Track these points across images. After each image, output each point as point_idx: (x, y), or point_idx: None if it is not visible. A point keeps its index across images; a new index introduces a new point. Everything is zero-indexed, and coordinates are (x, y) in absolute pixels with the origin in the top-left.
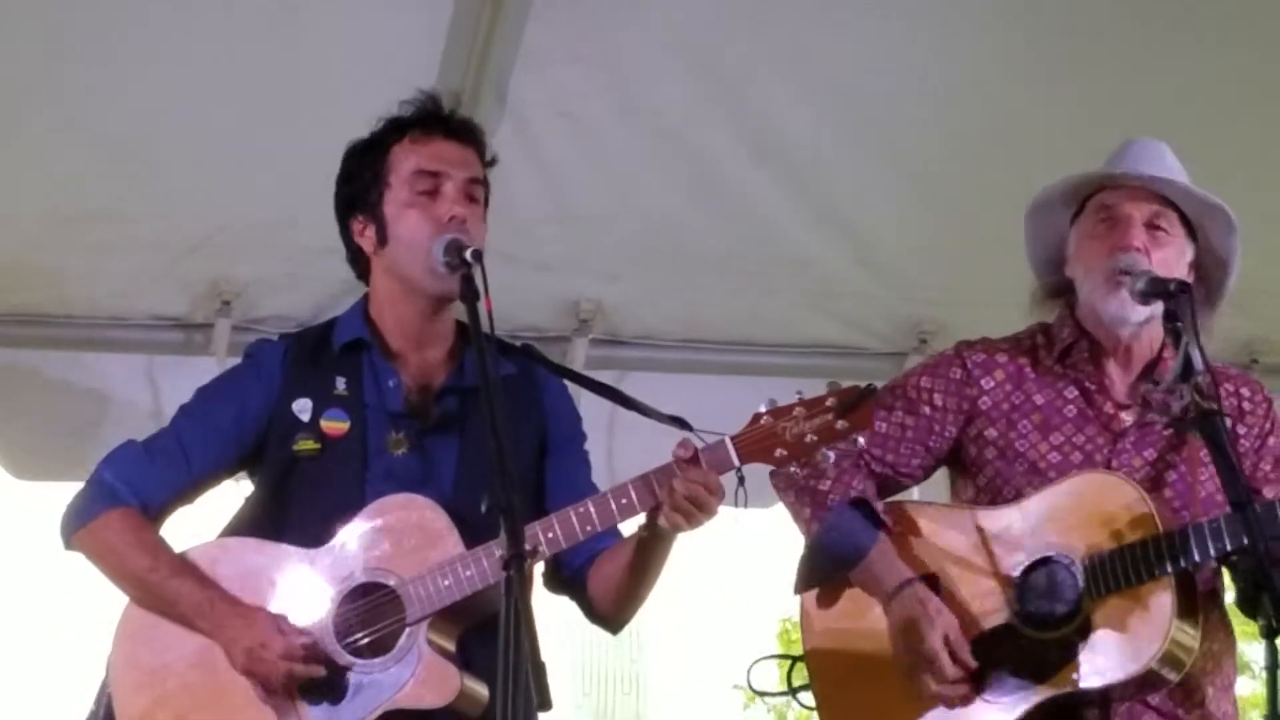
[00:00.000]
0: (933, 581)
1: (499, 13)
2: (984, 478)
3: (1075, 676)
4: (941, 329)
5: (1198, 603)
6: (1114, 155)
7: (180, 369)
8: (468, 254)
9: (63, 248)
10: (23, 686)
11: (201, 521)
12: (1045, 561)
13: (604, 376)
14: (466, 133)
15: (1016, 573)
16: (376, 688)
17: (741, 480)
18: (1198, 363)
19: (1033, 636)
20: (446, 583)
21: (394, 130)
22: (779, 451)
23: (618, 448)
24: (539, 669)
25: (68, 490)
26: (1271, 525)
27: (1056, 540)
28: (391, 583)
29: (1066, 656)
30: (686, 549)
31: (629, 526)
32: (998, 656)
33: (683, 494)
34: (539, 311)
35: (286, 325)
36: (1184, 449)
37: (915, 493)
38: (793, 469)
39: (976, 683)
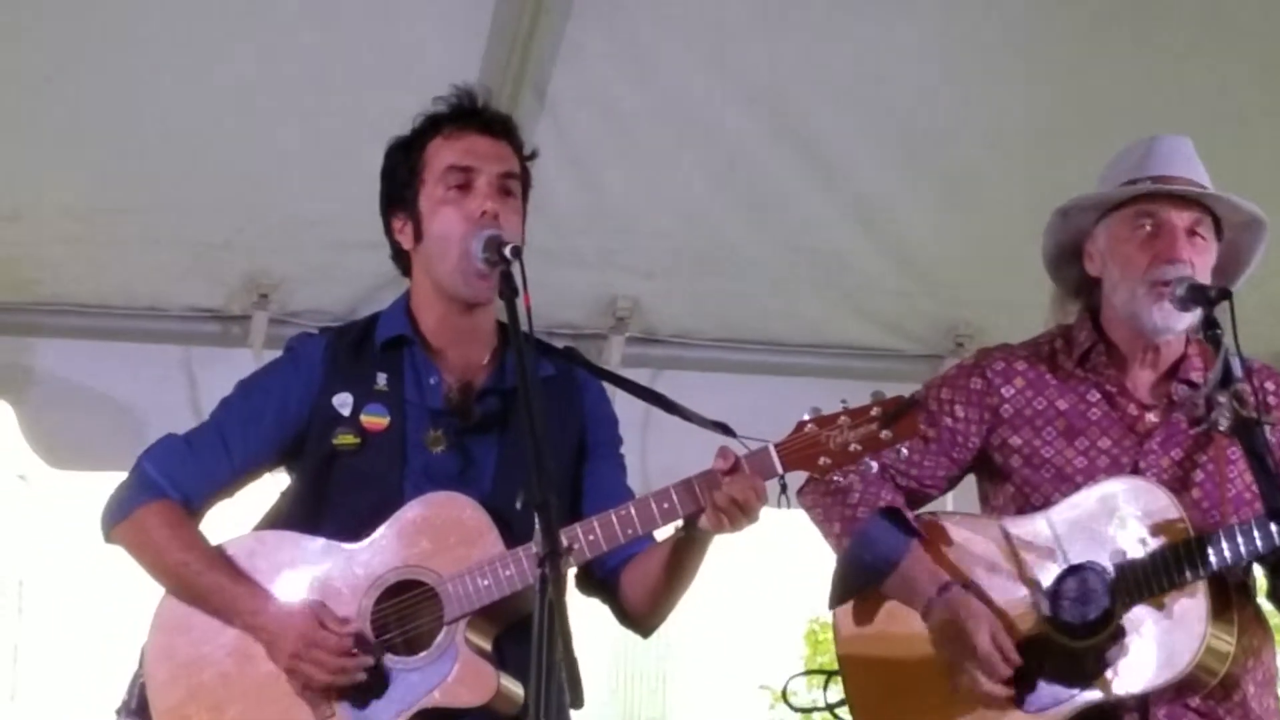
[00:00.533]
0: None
1: (540, 11)
2: (1012, 485)
3: (1111, 684)
4: (979, 332)
5: (1231, 603)
6: (1144, 152)
7: (217, 360)
8: (507, 250)
9: (98, 240)
10: (58, 674)
11: (239, 513)
12: (1077, 569)
13: (639, 374)
14: (500, 126)
15: (1049, 581)
16: (412, 685)
17: (784, 486)
18: (1237, 370)
19: (1066, 644)
20: (485, 582)
21: (429, 127)
22: (823, 460)
23: (651, 448)
24: (572, 666)
25: (104, 479)
26: None
27: (1088, 547)
28: (430, 580)
29: (1101, 664)
30: (715, 549)
31: (663, 530)
32: (1032, 665)
33: (727, 498)
34: (576, 309)
35: (323, 318)
36: (1210, 448)
37: (949, 502)
38: (819, 482)
39: (1013, 692)
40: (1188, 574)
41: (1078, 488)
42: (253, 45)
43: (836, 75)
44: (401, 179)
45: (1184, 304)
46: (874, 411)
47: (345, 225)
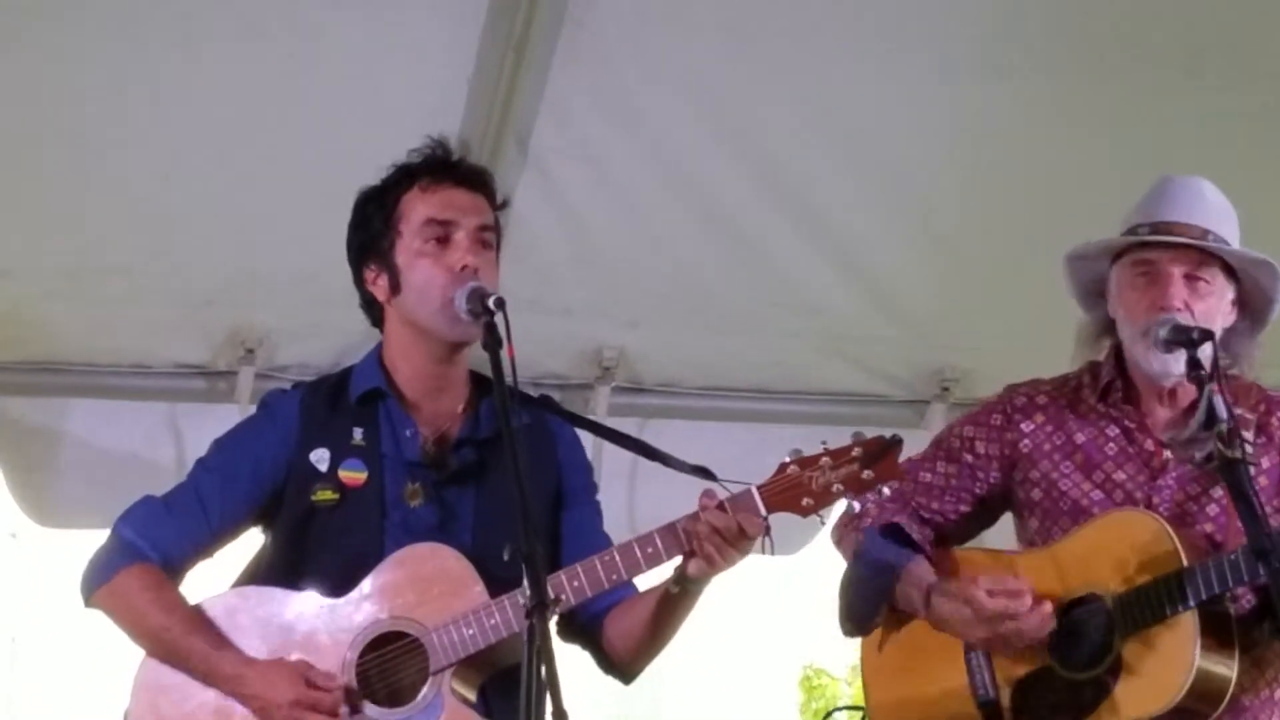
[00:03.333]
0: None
1: (522, 63)
2: (1035, 520)
3: (1108, 715)
4: (964, 376)
5: (1233, 630)
6: (1152, 195)
7: (204, 416)
8: (490, 302)
9: (83, 299)
10: None
11: (218, 570)
12: (1079, 601)
13: (626, 424)
14: (476, 179)
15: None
16: None
17: (767, 530)
18: (1221, 411)
19: (1068, 677)
20: (470, 631)
21: (404, 178)
22: (805, 500)
23: (639, 498)
24: (562, 718)
25: (95, 537)
26: None
27: (1089, 580)
28: (414, 631)
29: (1099, 696)
30: (709, 594)
31: (646, 578)
32: (1036, 699)
33: (709, 528)
34: (561, 359)
35: (309, 372)
36: (1222, 484)
37: (986, 541)
38: (846, 518)
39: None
40: (1179, 604)
41: (1075, 529)
42: (235, 103)
43: (821, 125)
44: (375, 230)
45: (1167, 346)
46: (855, 452)
47: (330, 280)
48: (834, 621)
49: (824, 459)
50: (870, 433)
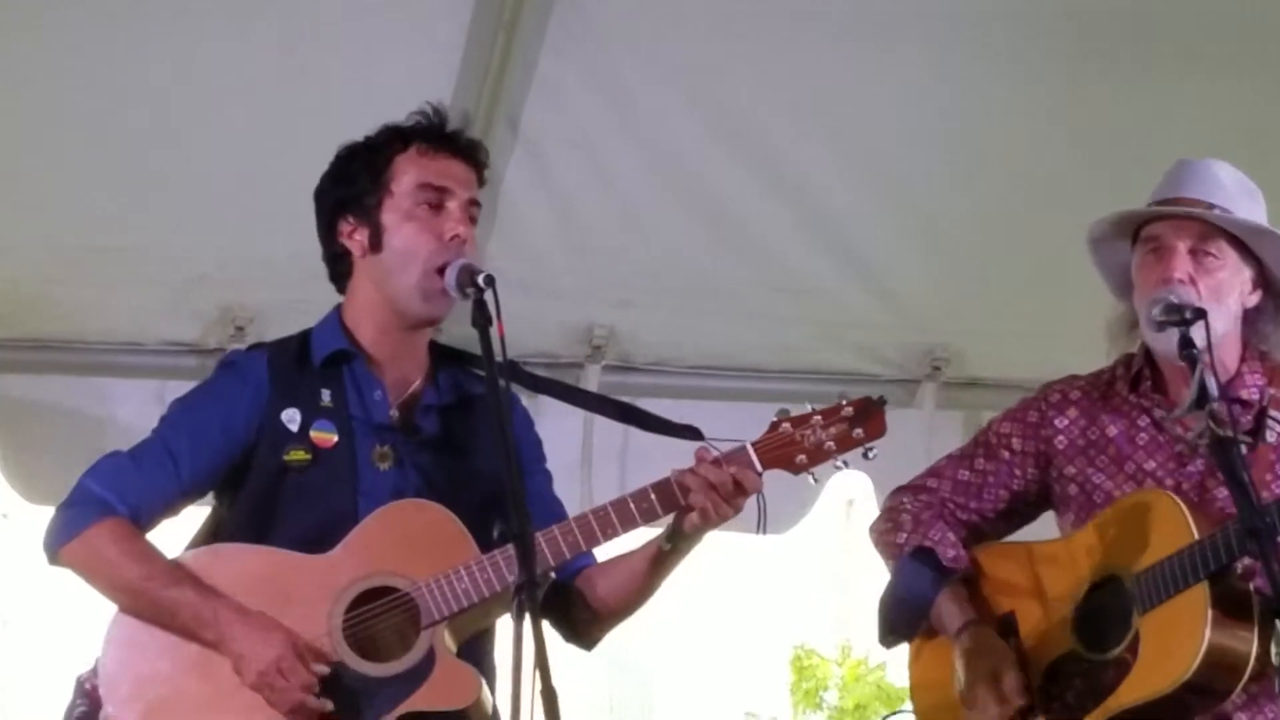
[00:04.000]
0: (1010, 619)
1: (512, 44)
2: (1071, 514)
3: (1128, 692)
4: (955, 356)
5: (1252, 607)
6: (1166, 177)
7: None
8: (480, 279)
9: (73, 278)
10: (42, 710)
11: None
12: (1102, 583)
13: None
14: (472, 152)
15: (1077, 599)
16: (391, 692)
17: (762, 507)
18: (1212, 390)
19: (1091, 659)
20: (464, 585)
21: (399, 138)
22: (799, 458)
23: (630, 471)
24: (550, 697)
25: None
26: None
27: (1109, 562)
28: (403, 586)
29: (1121, 674)
30: (699, 574)
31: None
32: (1064, 684)
33: (704, 482)
34: (552, 338)
35: None
36: (1258, 464)
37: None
38: (883, 518)
39: (1047, 709)
40: (1190, 577)
41: (1112, 504)
42: (227, 82)
43: (813, 108)
44: (362, 185)
45: (1160, 325)
46: (845, 411)
47: (317, 258)
48: (823, 601)
49: (815, 417)
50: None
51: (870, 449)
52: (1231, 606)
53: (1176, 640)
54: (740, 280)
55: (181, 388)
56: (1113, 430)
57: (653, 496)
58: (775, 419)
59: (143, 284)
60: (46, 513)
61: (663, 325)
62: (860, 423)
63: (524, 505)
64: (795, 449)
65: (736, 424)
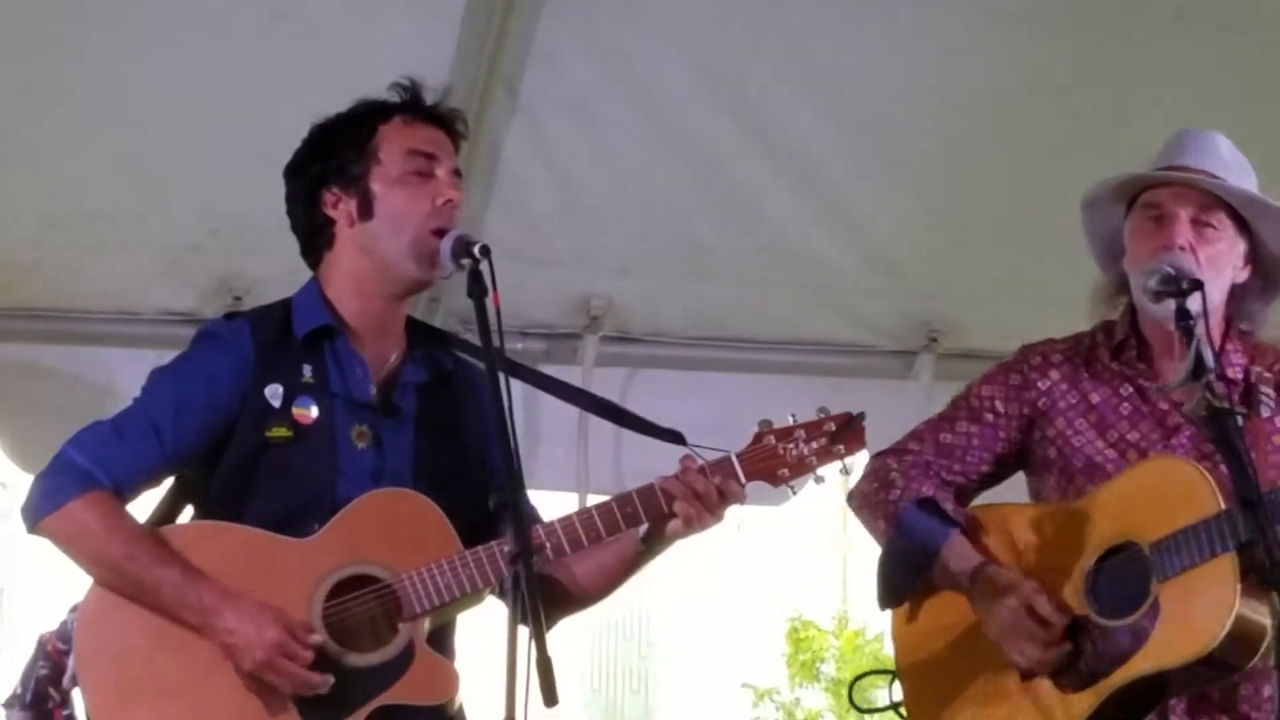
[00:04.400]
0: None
1: (511, 12)
2: (1050, 478)
3: (1146, 659)
4: (953, 327)
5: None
6: (1167, 146)
7: None
8: (476, 249)
9: (71, 245)
10: None
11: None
12: (1116, 549)
13: (614, 373)
14: (454, 123)
15: (1090, 565)
16: (368, 683)
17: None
18: (1208, 361)
19: (1105, 625)
20: (446, 580)
21: (381, 109)
22: (781, 471)
23: (626, 449)
24: (546, 666)
25: None
26: None
27: (1125, 528)
28: (385, 576)
29: (1137, 642)
30: (696, 547)
31: None
32: (1075, 651)
33: (688, 490)
34: (549, 308)
35: None
36: (1254, 437)
37: (998, 497)
38: (867, 479)
39: (1056, 676)
40: (1217, 546)
41: (1109, 478)
42: (222, 49)
43: (811, 76)
44: (346, 156)
45: (1157, 296)
46: (827, 425)
47: None
48: (820, 573)
49: (798, 431)
50: (858, 384)
51: (847, 465)
52: (1258, 583)
53: (1203, 610)
54: (739, 251)
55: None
56: (1095, 397)
57: (637, 502)
58: (759, 430)
59: (139, 253)
60: None
61: (661, 296)
62: (841, 438)
63: (519, 475)
64: (778, 462)
65: (734, 395)
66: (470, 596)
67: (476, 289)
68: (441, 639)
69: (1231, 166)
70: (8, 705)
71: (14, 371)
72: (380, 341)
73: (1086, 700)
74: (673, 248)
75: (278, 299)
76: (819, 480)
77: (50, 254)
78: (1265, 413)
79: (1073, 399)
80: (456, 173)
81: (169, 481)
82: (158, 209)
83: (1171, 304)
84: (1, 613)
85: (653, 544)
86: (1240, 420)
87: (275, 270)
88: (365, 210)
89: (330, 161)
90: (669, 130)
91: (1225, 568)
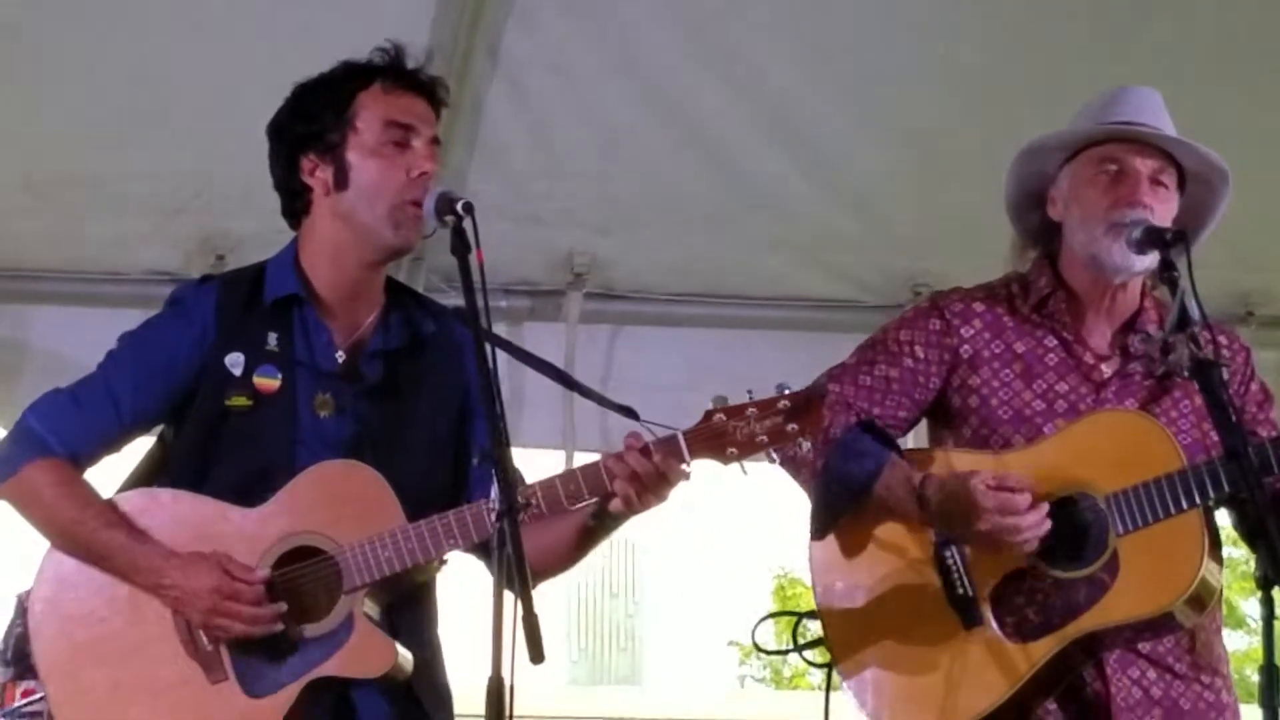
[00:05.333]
0: None
1: None
2: (969, 428)
3: (1104, 612)
4: (937, 281)
5: (1219, 541)
6: (1110, 102)
7: None
8: (459, 206)
9: (56, 206)
10: None
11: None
12: (1069, 500)
13: (599, 330)
14: (435, 91)
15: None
16: (307, 654)
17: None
18: (1194, 313)
19: (1059, 576)
20: (387, 554)
21: (361, 75)
22: (730, 450)
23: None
24: (532, 623)
25: None
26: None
27: (1077, 479)
28: (328, 548)
29: (1095, 593)
30: (682, 505)
31: None
32: (1022, 597)
33: (629, 470)
34: (533, 265)
35: None
36: (1165, 399)
37: (909, 441)
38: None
39: (1001, 624)
40: (1184, 502)
41: (1037, 429)
42: (205, 10)
43: (795, 31)
44: (325, 122)
45: (1140, 247)
46: (781, 404)
47: None
48: (806, 528)
49: (750, 409)
50: (843, 339)
51: (804, 443)
52: (1213, 538)
53: (1168, 566)
54: (722, 206)
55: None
56: (1020, 347)
57: (580, 480)
58: (710, 408)
59: (123, 213)
60: None
61: (644, 252)
62: (795, 417)
63: (502, 430)
64: (727, 440)
65: (719, 351)
66: (414, 571)
67: (460, 246)
68: (412, 608)
69: (1171, 126)
70: None
71: (1, 333)
72: (352, 307)
73: (1035, 653)
74: (656, 204)
75: (259, 257)
76: (773, 460)
77: (36, 215)
78: (1182, 368)
79: (997, 348)
80: (435, 141)
81: (148, 447)
82: (143, 169)
83: (1154, 255)
84: None
85: (603, 520)
86: (1224, 373)
87: (261, 229)
88: (341, 180)
89: (309, 126)
90: (651, 87)
91: (1192, 524)
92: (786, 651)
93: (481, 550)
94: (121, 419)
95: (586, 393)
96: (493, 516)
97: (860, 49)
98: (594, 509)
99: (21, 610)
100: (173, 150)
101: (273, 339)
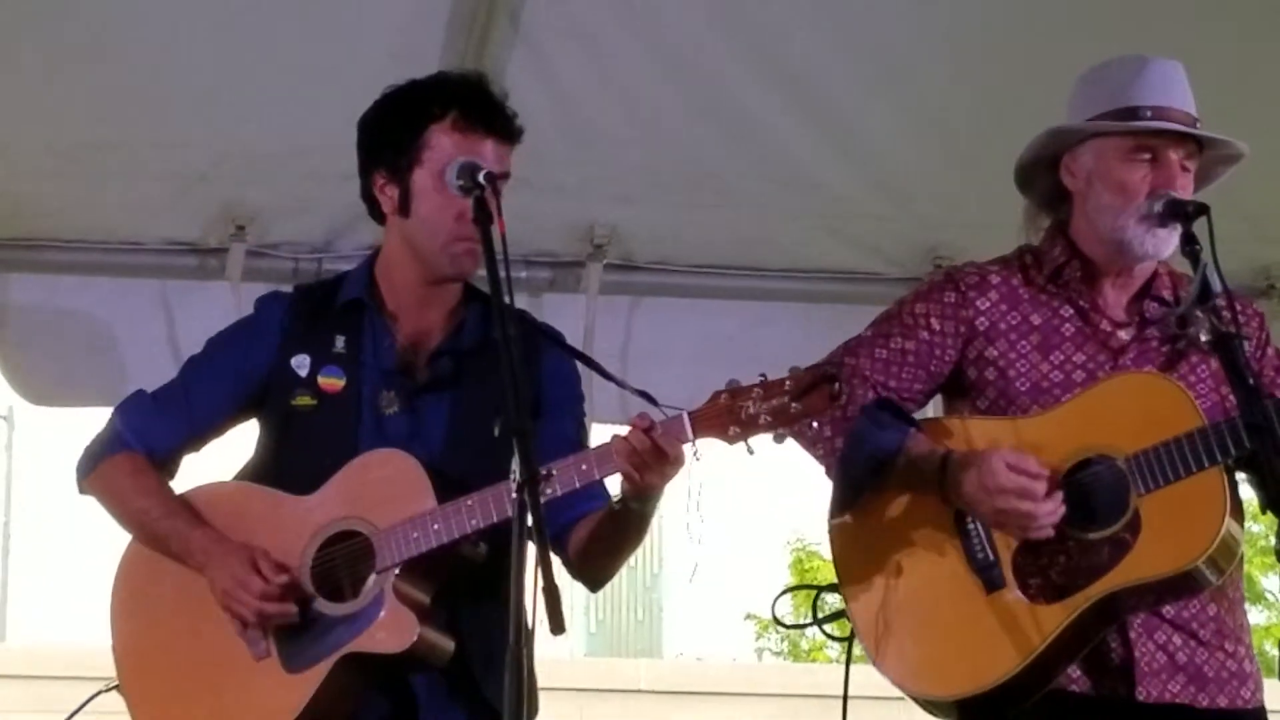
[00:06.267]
0: None
1: None
2: (985, 400)
3: (1128, 571)
4: (958, 254)
5: (1241, 504)
6: (1134, 78)
7: (194, 293)
8: (481, 176)
9: (75, 174)
10: (47, 615)
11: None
12: (1088, 462)
13: (619, 301)
14: (508, 133)
15: (1059, 479)
16: (340, 632)
17: (696, 488)
18: (1216, 286)
19: (1081, 539)
20: (416, 534)
21: (437, 104)
22: (732, 429)
23: (632, 373)
24: (552, 594)
25: (86, 415)
26: None
27: (1096, 442)
28: (366, 531)
29: (1117, 554)
30: (702, 480)
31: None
32: (1044, 561)
33: (629, 448)
34: (553, 237)
35: (299, 250)
36: (1183, 364)
37: (930, 411)
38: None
39: (1024, 587)
40: (1205, 460)
41: (1055, 400)
42: None
43: (819, 1)
44: (397, 145)
45: (1162, 220)
46: (787, 385)
47: (322, 157)
48: (824, 500)
49: (755, 390)
50: (863, 310)
51: (812, 423)
52: (1235, 499)
53: (1190, 523)
54: (744, 177)
55: (182, 287)
56: (1036, 318)
57: (593, 460)
58: (718, 390)
59: (141, 182)
60: (48, 413)
61: (665, 223)
62: (800, 397)
63: (524, 402)
64: (730, 421)
65: (739, 323)
66: (448, 554)
67: (482, 217)
68: (476, 612)
69: (1193, 99)
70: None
71: (17, 302)
72: (421, 313)
73: (1059, 614)
74: (677, 175)
75: (279, 227)
76: (779, 439)
77: (55, 183)
78: (1202, 339)
79: (1014, 319)
80: (505, 176)
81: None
82: (163, 138)
83: (1178, 229)
84: (10, 545)
85: (626, 502)
86: (1245, 345)
87: (279, 200)
88: (405, 207)
89: (383, 142)
90: (674, 57)
91: (1214, 482)
92: (806, 626)
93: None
94: (194, 420)
95: (606, 375)
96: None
97: (885, 20)
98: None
99: None
100: (194, 118)
101: (340, 341)
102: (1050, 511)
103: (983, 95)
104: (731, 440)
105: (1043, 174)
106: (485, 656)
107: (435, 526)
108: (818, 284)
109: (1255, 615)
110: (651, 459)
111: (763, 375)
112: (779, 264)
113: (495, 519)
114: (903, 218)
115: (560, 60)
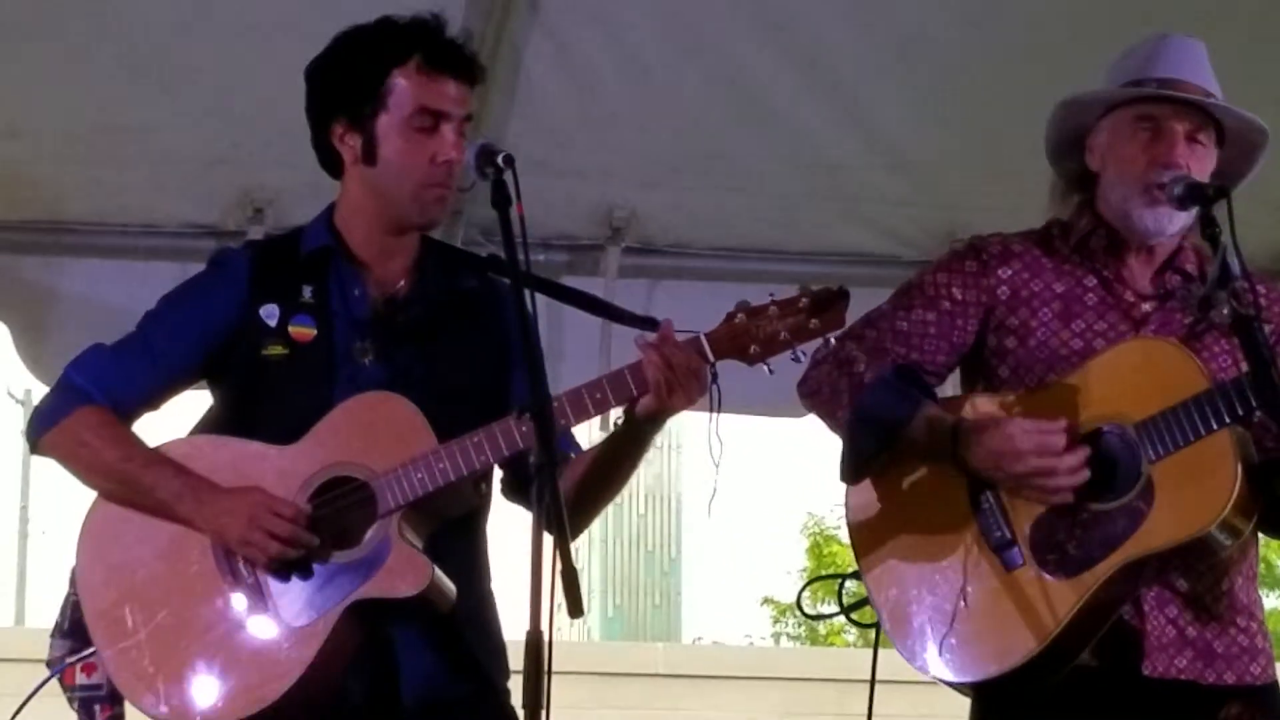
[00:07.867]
0: None
1: None
2: (1006, 368)
3: (1146, 539)
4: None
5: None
6: (1153, 52)
7: None
8: (499, 159)
9: (94, 157)
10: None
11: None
12: (1098, 433)
13: (637, 285)
14: (470, 73)
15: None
16: (347, 578)
17: (714, 378)
18: (1235, 268)
19: (1096, 509)
20: (420, 475)
21: (399, 47)
22: (753, 348)
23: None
24: (571, 577)
25: None
26: None
27: (1104, 412)
28: (363, 475)
29: (1133, 522)
30: (720, 463)
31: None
32: (1060, 534)
33: (664, 361)
34: (572, 219)
35: None
36: (1205, 337)
37: (947, 389)
38: (820, 363)
39: (1042, 563)
40: (1213, 422)
41: (1075, 368)
42: None
43: None
44: (359, 92)
45: (1181, 203)
46: (802, 302)
47: None
48: (842, 488)
49: (772, 308)
50: (884, 293)
51: (828, 340)
52: (1246, 457)
53: (1203, 486)
54: (763, 160)
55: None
56: (1059, 287)
57: (606, 388)
58: (732, 310)
59: (160, 165)
60: None
61: (684, 207)
62: (817, 313)
63: (544, 383)
64: (748, 339)
65: None
66: (452, 491)
67: (500, 199)
68: (458, 539)
69: (1214, 79)
70: (53, 635)
71: (36, 285)
72: (386, 263)
73: (1076, 590)
74: (696, 158)
75: (298, 210)
76: (796, 359)
77: (73, 166)
78: (1222, 321)
79: (1036, 287)
80: (468, 118)
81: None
82: (182, 121)
83: (1190, 214)
84: (28, 529)
85: (631, 424)
86: (1266, 329)
87: (296, 183)
88: (369, 155)
89: (342, 91)
90: (693, 39)
91: (1223, 443)
92: (833, 615)
93: (519, 493)
94: (159, 372)
95: (612, 312)
96: (522, 428)
97: (905, 3)
98: (623, 418)
99: (73, 580)
100: (211, 101)
101: (307, 291)
102: (1071, 467)
103: (1002, 79)
104: (752, 360)
105: (1071, 155)
106: (467, 606)
107: (441, 465)
108: (836, 267)
109: (1273, 600)
110: (683, 374)
111: (771, 294)
112: (798, 247)
113: (506, 452)
114: (922, 201)
115: (579, 44)
